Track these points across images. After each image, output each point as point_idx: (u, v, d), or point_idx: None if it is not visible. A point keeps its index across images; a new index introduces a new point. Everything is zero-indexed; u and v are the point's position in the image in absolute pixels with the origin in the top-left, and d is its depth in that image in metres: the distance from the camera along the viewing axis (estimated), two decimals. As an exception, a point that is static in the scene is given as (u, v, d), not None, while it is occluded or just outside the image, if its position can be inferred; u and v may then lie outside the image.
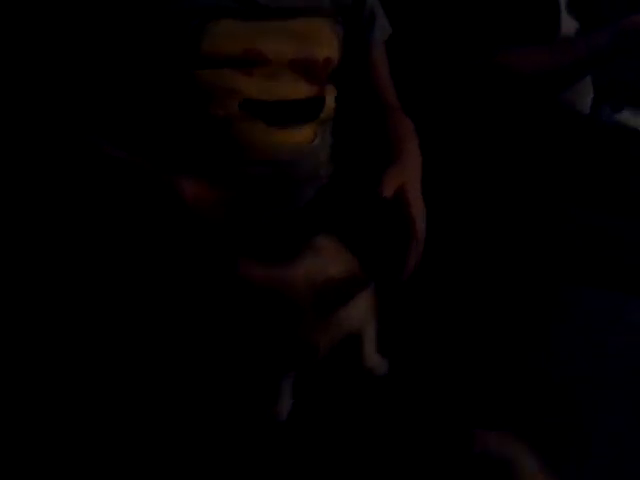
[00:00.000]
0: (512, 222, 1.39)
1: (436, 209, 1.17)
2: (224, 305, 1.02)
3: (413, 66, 1.45)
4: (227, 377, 1.04)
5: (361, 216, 1.15)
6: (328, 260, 0.99)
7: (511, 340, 1.17)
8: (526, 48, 1.45)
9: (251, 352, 1.01)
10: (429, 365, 1.11)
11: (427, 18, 1.47)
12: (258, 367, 1.02)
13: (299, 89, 1.18)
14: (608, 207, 1.45)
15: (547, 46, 1.47)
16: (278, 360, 1.00)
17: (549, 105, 1.50)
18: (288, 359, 0.99)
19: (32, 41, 1.19)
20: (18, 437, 1.02)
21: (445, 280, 1.24)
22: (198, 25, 1.11)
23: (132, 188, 1.11)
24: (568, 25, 1.51)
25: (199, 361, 1.05)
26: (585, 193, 1.46)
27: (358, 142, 1.30)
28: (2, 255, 1.16)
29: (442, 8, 1.46)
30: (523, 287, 1.27)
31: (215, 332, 1.04)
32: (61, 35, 1.15)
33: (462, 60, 1.44)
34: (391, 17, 1.32)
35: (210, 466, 1.03)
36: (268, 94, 1.15)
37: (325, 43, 1.21)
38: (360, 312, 1.02)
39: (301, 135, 1.20)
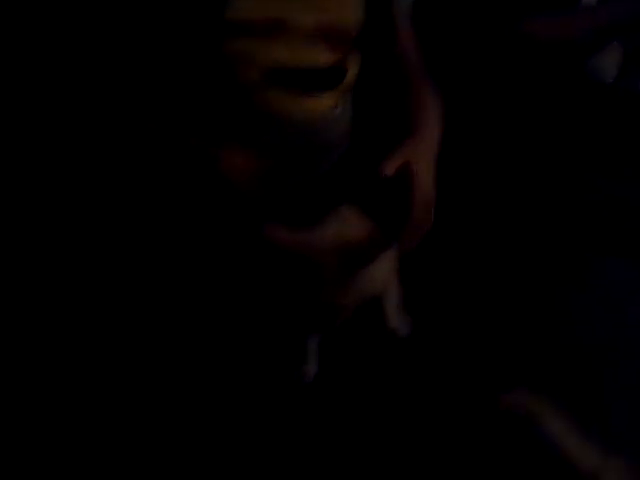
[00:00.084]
0: (536, 192, 1.39)
1: (458, 178, 1.18)
2: (251, 269, 1.03)
3: (438, 35, 1.45)
4: (254, 341, 1.06)
5: (373, 189, 1.15)
6: (350, 225, 1.00)
7: (534, 307, 1.17)
8: (550, 17, 1.45)
9: (278, 315, 1.03)
10: (453, 327, 1.11)
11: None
12: (285, 329, 1.04)
13: (322, 56, 1.18)
14: (633, 177, 1.44)
15: (570, 14, 1.47)
16: (304, 321, 1.02)
17: (573, 74, 1.50)
18: (314, 320, 1.00)
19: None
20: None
21: (468, 245, 1.24)
22: None
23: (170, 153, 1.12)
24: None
25: (226, 323, 1.06)
26: (610, 163, 1.46)
27: (379, 111, 1.30)
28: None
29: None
30: (546, 256, 1.27)
31: (242, 296, 1.06)
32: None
33: (487, 29, 1.44)
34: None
35: (237, 428, 1.05)
36: (291, 61, 1.15)
37: (349, 10, 1.20)
38: (383, 274, 1.03)
39: (324, 103, 1.20)
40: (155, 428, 1.05)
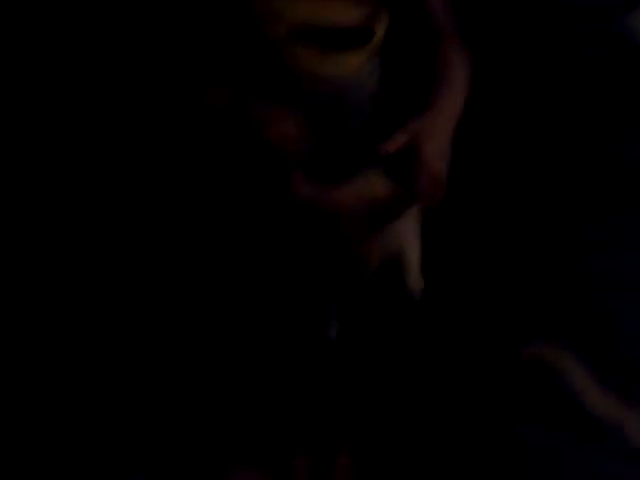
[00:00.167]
0: (552, 157, 1.38)
1: (476, 142, 1.19)
2: (276, 226, 1.05)
3: None
4: (279, 301, 1.07)
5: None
6: (375, 182, 1.03)
7: (553, 261, 1.17)
8: None
9: (302, 272, 1.04)
10: (474, 285, 1.13)
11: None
12: (310, 287, 1.05)
13: (350, 14, 1.18)
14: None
15: None
16: (328, 280, 1.03)
17: (606, 34, 1.45)
18: (337, 278, 1.02)
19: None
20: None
21: (487, 206, 1.25)
22: None
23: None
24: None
25: (251, 283, 1.08)
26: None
27: (407, 71, 1.30)
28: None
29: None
30: (563, 209, 1.27)
31: (266, 255, 1.07)
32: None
33: None
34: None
35: (263, 388, 1.06)
36: (319, 19, 1.16)
37: None
38: (406, 231, 1.05)
39: (352, 61, 1.20)
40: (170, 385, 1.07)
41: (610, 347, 1.05)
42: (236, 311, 1.08)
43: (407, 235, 1.05)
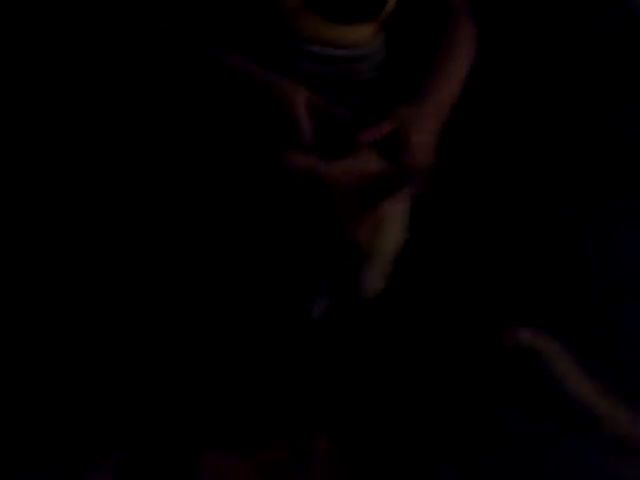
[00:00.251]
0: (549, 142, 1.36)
1: (471, 131, 1.19)
2: (267, 200, 1.05)
3: None
4: (268, 275, 1.07)
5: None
6: (369, 160, 1.03)
7: (543, 246, 1.17)
8: None
9: (293, 247, 1.04)
10: (460, 265, 1.13)
11: None
12: (300, 263, 1.05)
13: None
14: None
15: None
16: (319, 257, 1.03)
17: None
18: (330, 253, 1.02)
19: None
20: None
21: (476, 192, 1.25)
22: None
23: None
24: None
25: (242, 257, 1.08)
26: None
27: (414, 46, 1.28)
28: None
29: None
30: (556, 192, 1.26)
31: (257, 228, 1.08)
32: None
33: None
34: None
35: (246, 362, 1.06)
36: None
37: None
38: (393, 214, 1.05)
39: (360, 33, 1.21)
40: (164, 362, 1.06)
41: (600, 338, 1.06)
42: (223, 283, 1.08)
43: (391, 219, 1.05)
